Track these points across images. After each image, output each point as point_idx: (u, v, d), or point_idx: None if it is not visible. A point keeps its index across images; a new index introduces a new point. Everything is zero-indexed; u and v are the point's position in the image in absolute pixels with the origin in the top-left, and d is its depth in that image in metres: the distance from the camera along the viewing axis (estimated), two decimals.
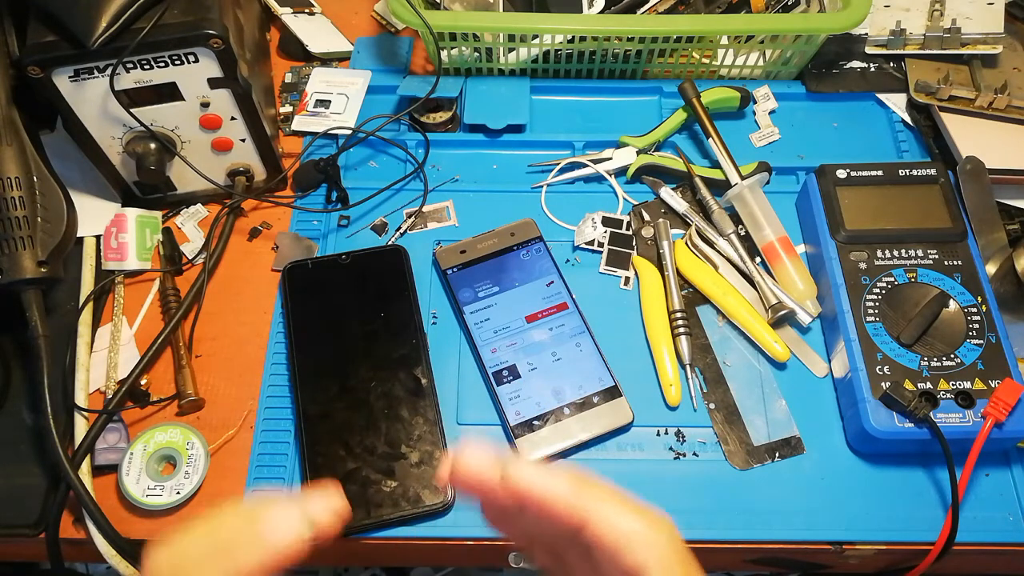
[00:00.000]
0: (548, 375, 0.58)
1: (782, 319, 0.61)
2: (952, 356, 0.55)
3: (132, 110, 0.58)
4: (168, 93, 0.58)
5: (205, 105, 0.60)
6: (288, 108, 0.75)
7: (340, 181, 0.68)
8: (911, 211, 0.61)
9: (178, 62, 0.56)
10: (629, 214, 0.67)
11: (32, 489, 0.55)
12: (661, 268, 0.64)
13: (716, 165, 0.68)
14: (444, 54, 0.72)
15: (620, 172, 0.70)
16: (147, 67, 0.56)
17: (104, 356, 0.60)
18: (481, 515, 0.36)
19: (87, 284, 0.63)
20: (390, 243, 0.66)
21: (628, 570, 0.31)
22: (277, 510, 0.34)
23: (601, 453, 0.57)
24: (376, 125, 0.70)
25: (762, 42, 0.71)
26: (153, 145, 0.61)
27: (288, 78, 0.77)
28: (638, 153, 0.69)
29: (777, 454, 0.57)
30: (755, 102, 0.74)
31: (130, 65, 0.56)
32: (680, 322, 0.61)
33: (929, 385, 0.54)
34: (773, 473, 0.56)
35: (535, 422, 0.57)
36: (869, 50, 0.74)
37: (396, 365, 0.59)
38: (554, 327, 0.60)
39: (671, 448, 0.57)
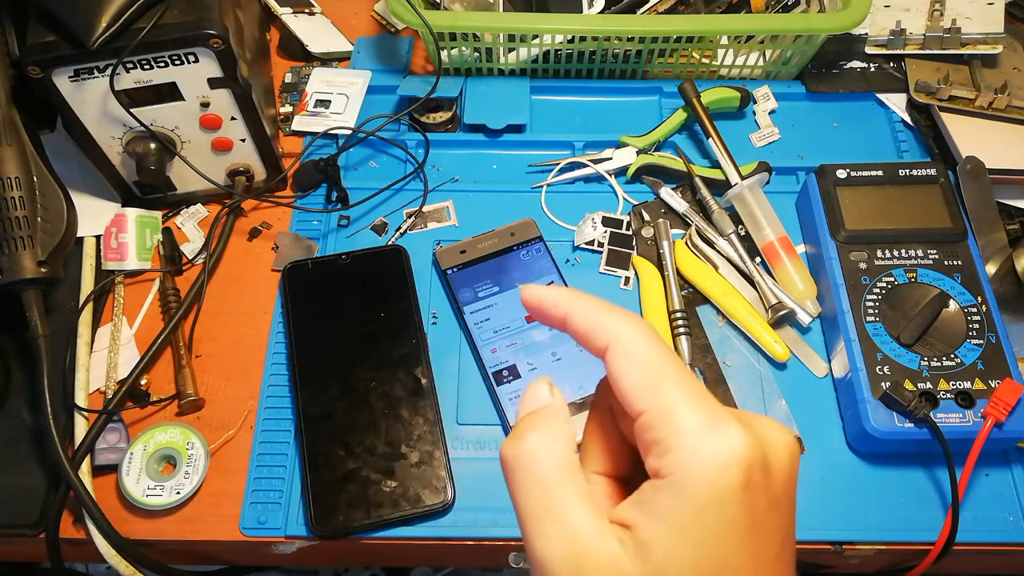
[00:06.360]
0: (548, 375, 0.58)
1: (782, 319, 0.61)
2: (952, 356, 0.55)
3: (132, 110, 0.58)
4: (168, 93, 0.58)
5: (205, 105, 0.60)
6: (288, 108, 0.75)
7: (340, 181, 0.68)
8: (911, 211, 0.61)
9: (178, 62, 0.56)
10: (629, 214, 0.67)
11: (32, 489, 0.55)
12: (661, 268, 0.64)
13: (716, 165, 0.68)
14: (444, 54, 0.72)
15: (620, 172, 0.70)
16: (147, 67, 0.56)
17: (104, 356, 0.60)
18: None
19: (87, 284, 0.63)
20: (390, 243, 0.66)
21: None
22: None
23: None
24: (376, 125, 0.70)
25: (762, 42, 0.71)
26: (153, 145, 0.61)
27: (288, 78, 0.77)
28: (638, 153, 0.69)
29: None
30: (755, 102, 0.74)
31: (130, 65, 0.56)
32: (680, 322, 0.61)
33: (929, 385, 0.54)
34: None
35: None
36: (869, 50, 0.74)
37: (396, 365, 0.59)
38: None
39: None
